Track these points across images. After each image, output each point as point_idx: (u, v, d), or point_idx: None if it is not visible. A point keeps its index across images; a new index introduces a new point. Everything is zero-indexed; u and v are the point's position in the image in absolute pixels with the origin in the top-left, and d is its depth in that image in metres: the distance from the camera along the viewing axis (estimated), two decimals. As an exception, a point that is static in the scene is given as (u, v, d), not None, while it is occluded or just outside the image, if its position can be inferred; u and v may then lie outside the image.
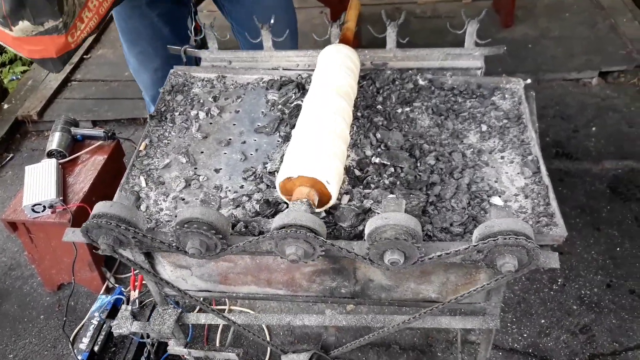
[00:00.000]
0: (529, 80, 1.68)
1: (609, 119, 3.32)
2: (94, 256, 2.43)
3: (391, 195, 1.28)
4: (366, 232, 1.09)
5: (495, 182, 1.36)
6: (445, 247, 1.12)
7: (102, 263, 2.54)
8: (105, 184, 2.42)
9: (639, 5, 4.01)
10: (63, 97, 3.84)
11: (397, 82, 1.66)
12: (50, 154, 2.46)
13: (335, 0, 3.70)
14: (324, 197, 1.20)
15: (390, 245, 1.05)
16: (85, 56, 4.18)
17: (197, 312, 1.57)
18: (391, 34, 1.69)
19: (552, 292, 2.42)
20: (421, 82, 1.66)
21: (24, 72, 4.22)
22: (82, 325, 2.30)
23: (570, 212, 2.75)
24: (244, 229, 1.25)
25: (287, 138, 1.52)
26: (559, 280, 2.47)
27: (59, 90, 3.85)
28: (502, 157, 1.44)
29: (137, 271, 2.30)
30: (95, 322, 2.04)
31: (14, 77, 4.22)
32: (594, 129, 3.27)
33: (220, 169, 1.47)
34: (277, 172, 1.39)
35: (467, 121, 1.56)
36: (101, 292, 2.48)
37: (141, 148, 1.53)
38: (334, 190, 1.20)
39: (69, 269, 2.36)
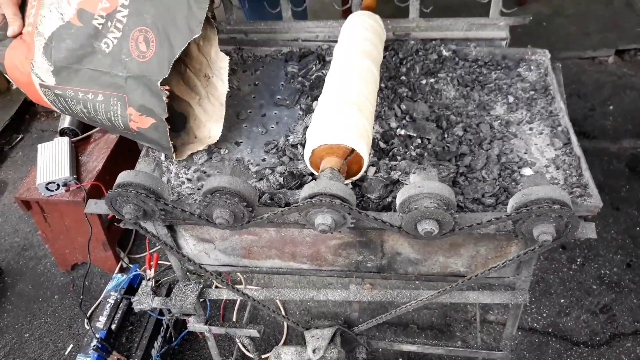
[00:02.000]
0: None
1: (627, 97, 3.27)
2: (108, 236, 2.41)
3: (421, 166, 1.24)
4: (398, 201, 1.05)
5: (525, 153, 1.32)
6: (480, 217, 1.09)
7: (116, 243, 2.53)
8: (119, 162, 2.39)
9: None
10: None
11: (420, 53, 1.61)
12: (62, 132, 2.43)
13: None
14: (353, 166, 1.16)
15: (425, 214, 1.02)
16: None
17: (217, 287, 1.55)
18: (414, 3, 1.64)
19: (571, 272, 2.39)
20: (445, 53, 1.62)
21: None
22: (98, 304, 2.29)
23: (589, 192, 2.70)
24: (269, 201, 1.22)
25: (308, 110, 1.48)
26: (578, 259, 2.43)
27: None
28: (531, 129, 1.40)
29: (156, 248, 2.29)
30: (111, 300, 2.02)
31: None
32: (611, 107, 3.21)
33: (241, 142, 1.44)
34: (300, 145, 1.36)
35: (493, 92, 1.52)
36: (115, 271, 2.46)
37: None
38: (364, 152, 1.13)
39: (83, 249, 2.35)
